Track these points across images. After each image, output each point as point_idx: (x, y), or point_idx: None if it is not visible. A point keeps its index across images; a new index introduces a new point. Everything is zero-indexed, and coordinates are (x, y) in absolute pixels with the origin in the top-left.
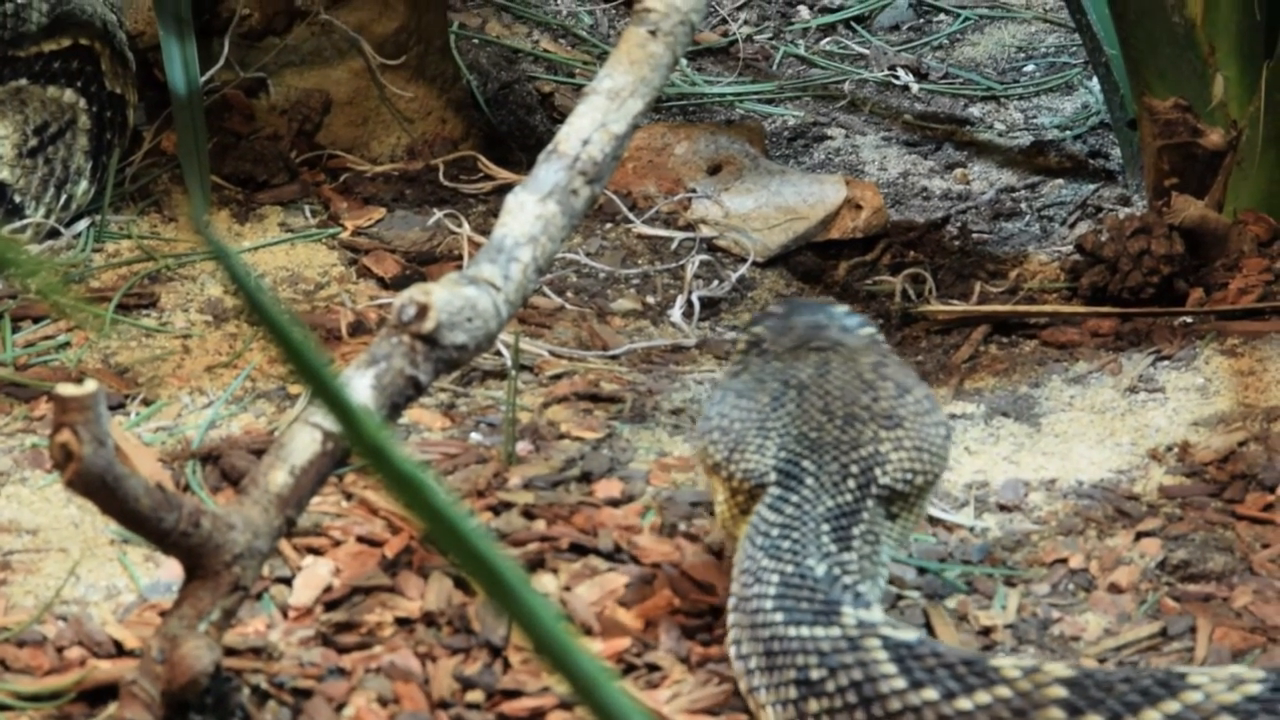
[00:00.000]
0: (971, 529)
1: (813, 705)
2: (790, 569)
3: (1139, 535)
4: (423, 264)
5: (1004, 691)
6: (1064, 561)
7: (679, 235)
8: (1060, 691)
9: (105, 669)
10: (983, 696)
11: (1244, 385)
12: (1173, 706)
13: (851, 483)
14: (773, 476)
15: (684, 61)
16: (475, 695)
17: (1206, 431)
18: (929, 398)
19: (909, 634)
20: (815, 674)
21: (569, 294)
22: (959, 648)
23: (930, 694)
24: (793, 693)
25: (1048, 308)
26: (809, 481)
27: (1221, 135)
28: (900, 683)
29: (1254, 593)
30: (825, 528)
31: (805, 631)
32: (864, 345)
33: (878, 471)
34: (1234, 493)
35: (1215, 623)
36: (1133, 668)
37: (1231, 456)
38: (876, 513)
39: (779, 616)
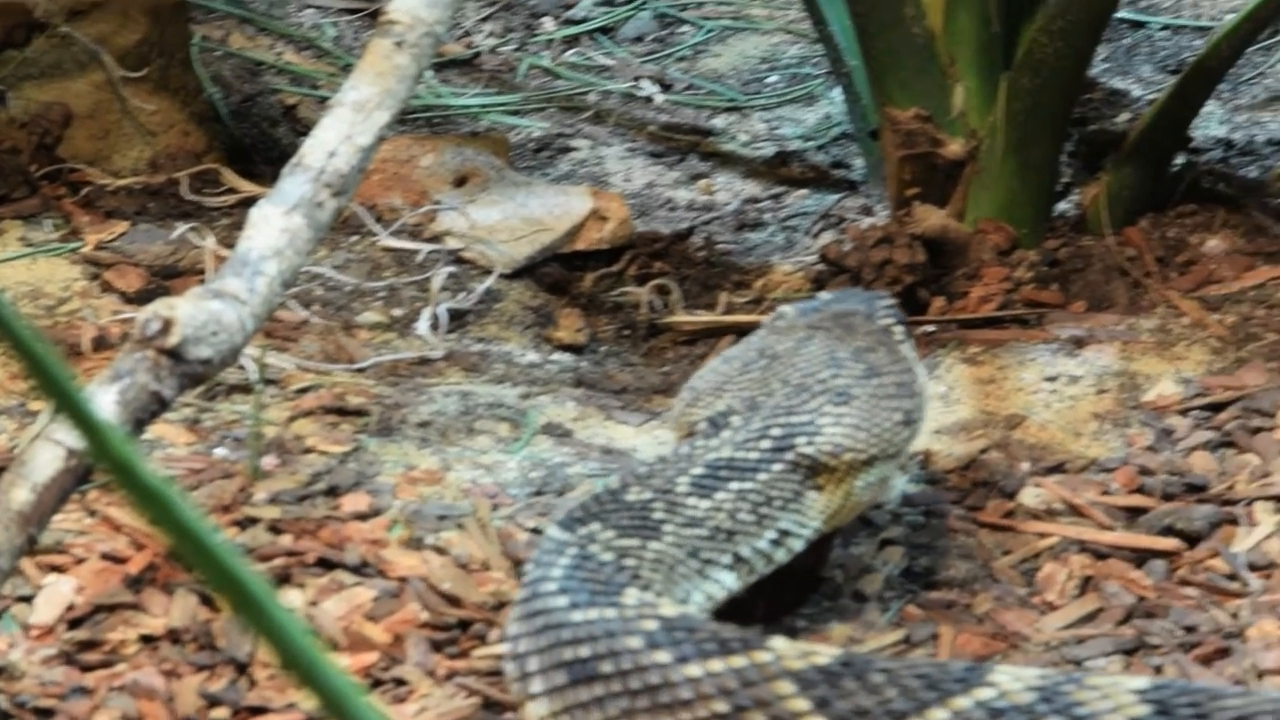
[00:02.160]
0: None
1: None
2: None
3: (883, 543)
4: (166, 278)
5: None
6: (809, 571)
7: (425, 247)
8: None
9: None
10: (716, 665)
11: (985, 393)
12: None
13: (766, 443)
14: (702, 425)
15: (429, 73)
16: (221, 712)
17: (948, 439)
18: (901, 386)
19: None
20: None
21: (315, 307)
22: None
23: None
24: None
25: None
26: (724, 434)
27: (962, 145)
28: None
29: (995, 599)
30: (697, 471)
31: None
32: (866, 330)
33: (801, 439)
34: (976, 500)
35: (957, 629)
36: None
37: (973, 464)
38: (785, 476)
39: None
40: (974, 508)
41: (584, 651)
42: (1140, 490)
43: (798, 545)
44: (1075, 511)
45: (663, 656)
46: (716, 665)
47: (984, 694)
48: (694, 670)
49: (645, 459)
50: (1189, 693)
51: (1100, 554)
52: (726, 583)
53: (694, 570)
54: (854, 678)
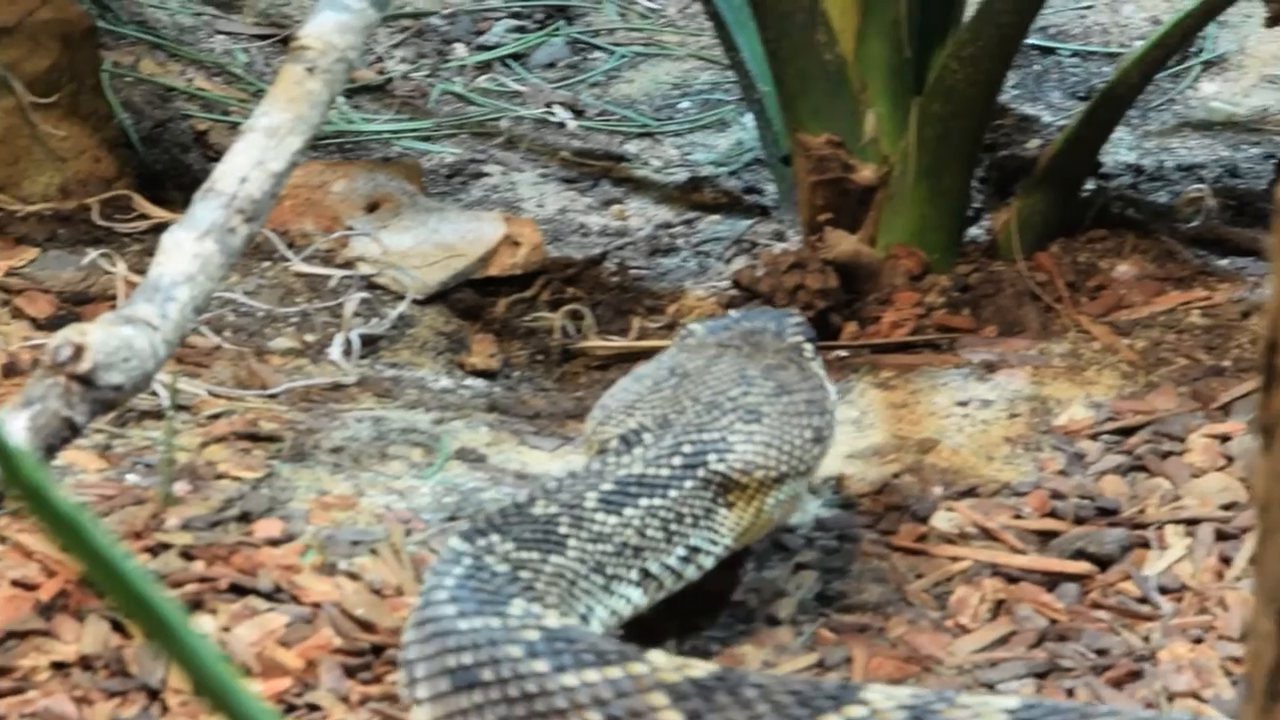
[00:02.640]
0: None
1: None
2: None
3: (797, 567)
4: (78, 304)
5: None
6: (722, 594)
7: (337, 273)
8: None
9: None
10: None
11: (897, 418)
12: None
13: (677, 459)
14: (614, 443)
15: (341, 99)
16: None
17: (861, 464)
18: (811, 404)
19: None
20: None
21: (227, 333)
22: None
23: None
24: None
25: None
26: (636, 451)
27: (873, 171)
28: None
29: (908, 623)
30: (606, 487)
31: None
32: (776, 348)
33: (712, 456)
34: (889, 524)
35: (870, 653)
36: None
37: (886, 488)
38: (696, 493)
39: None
40: (887, 531)
41: (466, 659)
42: (1052, 514)
43: (708, 562)
44: (988, 535)
45: (540, 666)
46: (592, 676)
47: (855, 712)
48: (570, 680)
49: (556, 475)
50: (1059, 713)
51: (1012, 577)
52: (634, 599)
53: (599, 586)
54: (727, 692)
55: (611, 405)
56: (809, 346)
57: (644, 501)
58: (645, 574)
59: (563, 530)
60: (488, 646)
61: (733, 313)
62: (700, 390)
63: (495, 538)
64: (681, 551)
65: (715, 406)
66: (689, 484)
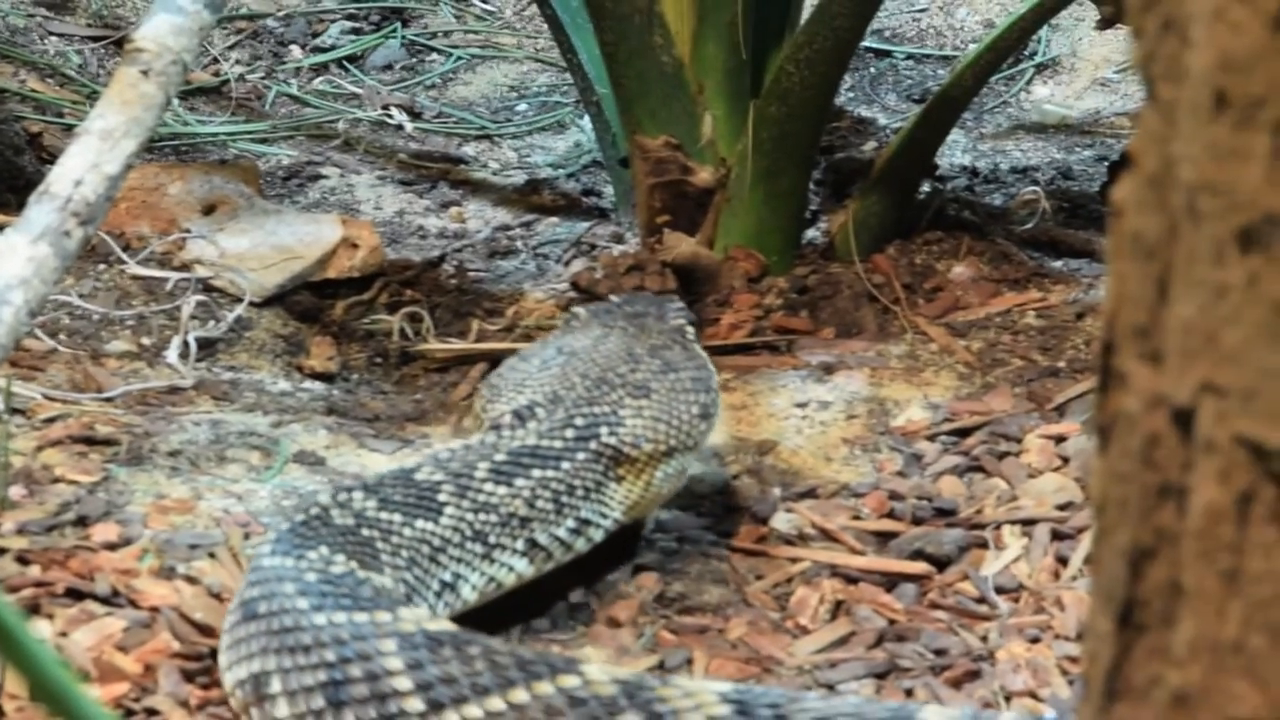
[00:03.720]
0: None
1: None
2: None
3: (637, 569)
4: None
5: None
6: (563, 597)
7: (174, 276)
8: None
9: None
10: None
11: (736, 419)
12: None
13: (569, 432)
14: (507, 418)
15: (176, 101)
16: None
17: (700, 465)
18: (696, 381)
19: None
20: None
21: (62, 336)
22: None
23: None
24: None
25: None
26: (530, 424)
27: (711, 173)
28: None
29: (749, 624)
30: (499, 458)
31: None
32: (662, 329)
33: (604, 429)
34: (728, 525)
35: (711, 654)
36: None
37: (725, 489)
38: (589, 466)
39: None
40: (727, 533)
41: (253, 593)
42: (890, 515)
43: (597, 535)
44: (827, 536)
45: (301, 603)
46: (339, 617)
47: (569, 682)
48: (319, 619)
49: (450, 446)
50: (770, 695)
51: (851, 578)
52: (518, 568)
53: (476, 554)
54: (453, 647)
55: (500, 383)
56: (691, 329)
57: (535, 473)
58: (533, 544)
59: (441, 498)
60: (272, 583)
61: (614, 297)
62: (589, 367)
63: (359, 494)
64: (571, 524)
65: (604, 382)
66: (581, 456)
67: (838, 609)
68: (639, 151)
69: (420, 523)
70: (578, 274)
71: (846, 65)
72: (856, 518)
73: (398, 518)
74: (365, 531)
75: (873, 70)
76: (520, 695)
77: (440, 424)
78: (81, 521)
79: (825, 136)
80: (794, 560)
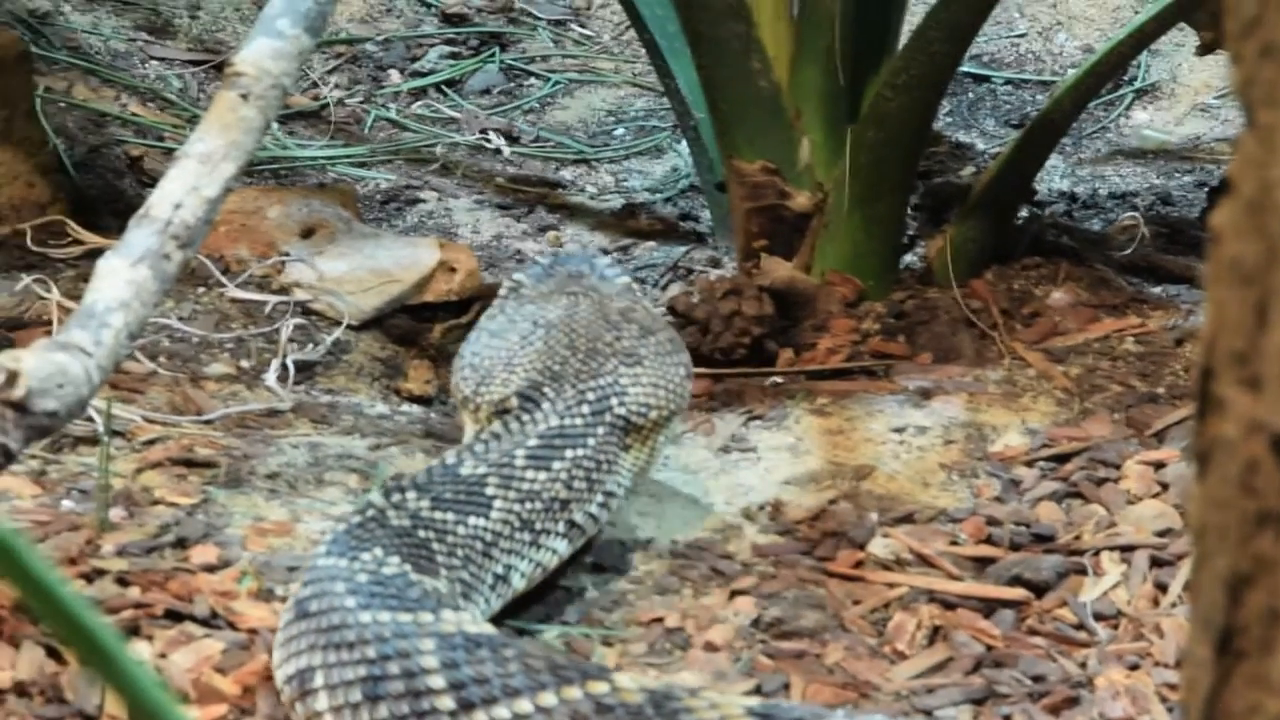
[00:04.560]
0: (568, 589)
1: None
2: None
3: (733, 593)
4: (11, 330)
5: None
6: (660, 620)
7: (273, 299)
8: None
9: None
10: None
11: (833, 444)
12: None
13: (585, 408)
14: (514, 401)
15: (275, 125)
16: None
17: (798, 490)
18: (672, 341)
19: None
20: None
21: (162, 359)
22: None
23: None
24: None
25: None
26: (545, 405)
27: (808, 198)
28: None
29: (845, 649)
30: (532, 443)
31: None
32: (617, 291)
33: (614, 401)
34: (825, 550)
35: (808, 679)
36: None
37: (822, 514)
38: (608, 439)
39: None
40: (824, 558)
41: (306, 592)
42: (988, 540)
43: (615, 506)
44: (924, 561)
45: (349, 602)
46: (384, 616)
47: (598, 688)
48: (364, 617)
49: (480, 437)
50: (796, 710)
51: (949, 604)
52: (560, 550)
53: (525, 543)
54: (490, 649)
55: (481, 363)
56: (635, 285)
57: (568, 453)
58: (571, 524)
59: (489, 491)
60: (324, 582)
61: (540, 259)
62: (574, 339)
63: (412, 494)
64: (600, 499)
65: (596, 353)
66: (600, 430)
67: (935, 634)
68: (736, 176)
69: (472, 520)
70: (674, 298)
71: (944, 90)
72: (954, 543)
73: (451, 516)
74: (421, 533)
75: (971, 95)
76: (549, 699)
77: None
78: (181, 544)
79: (923, 161)
80: (891, 585)
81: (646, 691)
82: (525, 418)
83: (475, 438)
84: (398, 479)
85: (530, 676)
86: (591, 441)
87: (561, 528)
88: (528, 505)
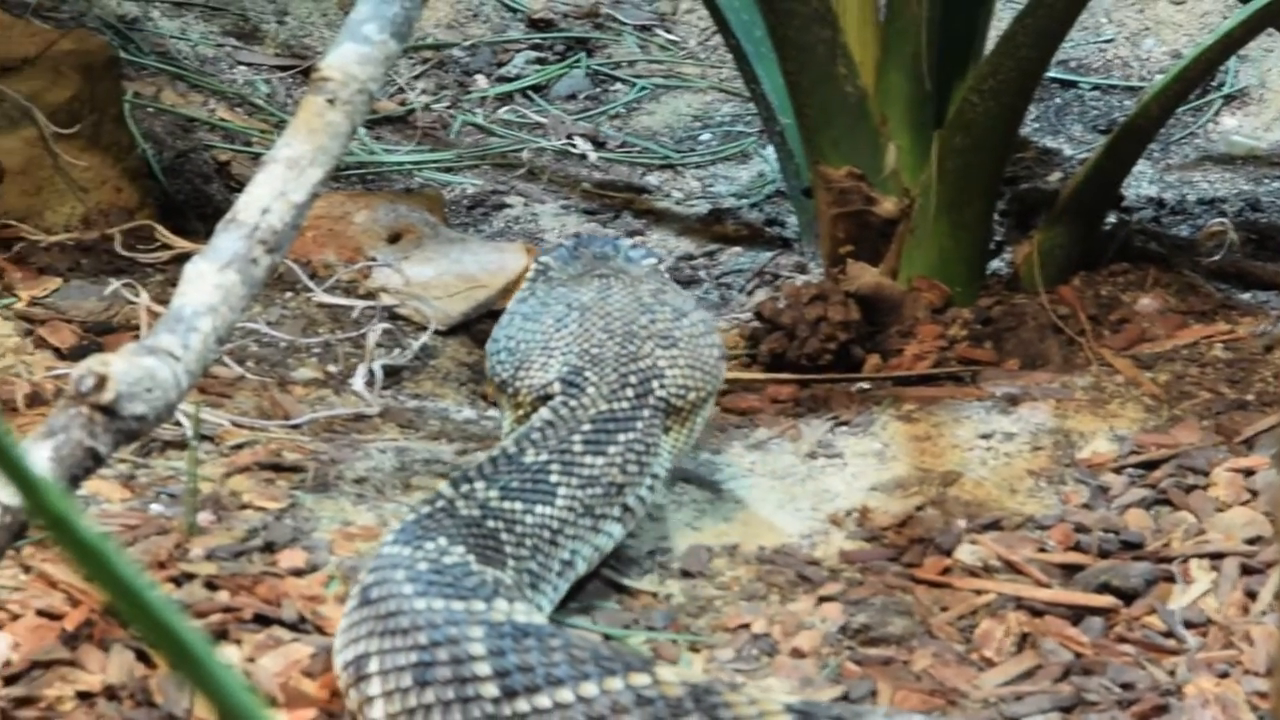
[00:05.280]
0: (655, 595)
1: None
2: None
3: (820, 600)
4: (100, 334)
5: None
6: (747, 626)
7: (360, 304)
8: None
9: None
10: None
11: (920, 450)
12: None
13: (630, 391)
14: (557, 387)
15: (362, 130)
16: None
17: (884, 496)
18: (705, 322)
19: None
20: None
21: (249, 363)
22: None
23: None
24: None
25: (728, 375)
26: (590, 390)
27: (894, 203)
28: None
29: (933, 655)
30: (586, 428)
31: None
32: (644, 273)
33: (655, 384)
34: (912, 557)
35: (896, 686)
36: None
37: (909, 521)
38: (653, 422)
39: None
40: (911, 564)
41: (370, 579)
42: (1076, 547)
43: (660, 488)
44: (1012, 568)
45: (407, 589)
46: (438, 604)
47: (639, 680)
48: (420, 605)
49: (534, 424)
50: (834, 709)
51: (1037, 611)
52: (615, 534)
53: (587, 528)
54: (537, 639)
55: (517, 348)
56: (661, 266)
57: (621, 437)
58: (624, 508)
59: (554, 479)
60: (387, 570)
61: (564, 241)
62: (610, 322)
63: (480, 484)
64: (648, 481)
65: (634, 336)
66: (646, 413)
67: (1023, 642)
68: (822, 182)
69: (540, 509)
70: (761, 304)
71: (1031, 96)
72: (1042, 550)
73: (519, 506)
74: (490, 523)
75: (1058, 101)
76: (590, 689)
77: None
78: (269, 548)
79: (1010, 167)
80: (979, 592)
81: (688, 685)
82: (573, 403)
83: (529, 425)
84: (464, 469)
85: (574, 666)
86: (639, 425)
87: (617, 512)
88: (589, 491)
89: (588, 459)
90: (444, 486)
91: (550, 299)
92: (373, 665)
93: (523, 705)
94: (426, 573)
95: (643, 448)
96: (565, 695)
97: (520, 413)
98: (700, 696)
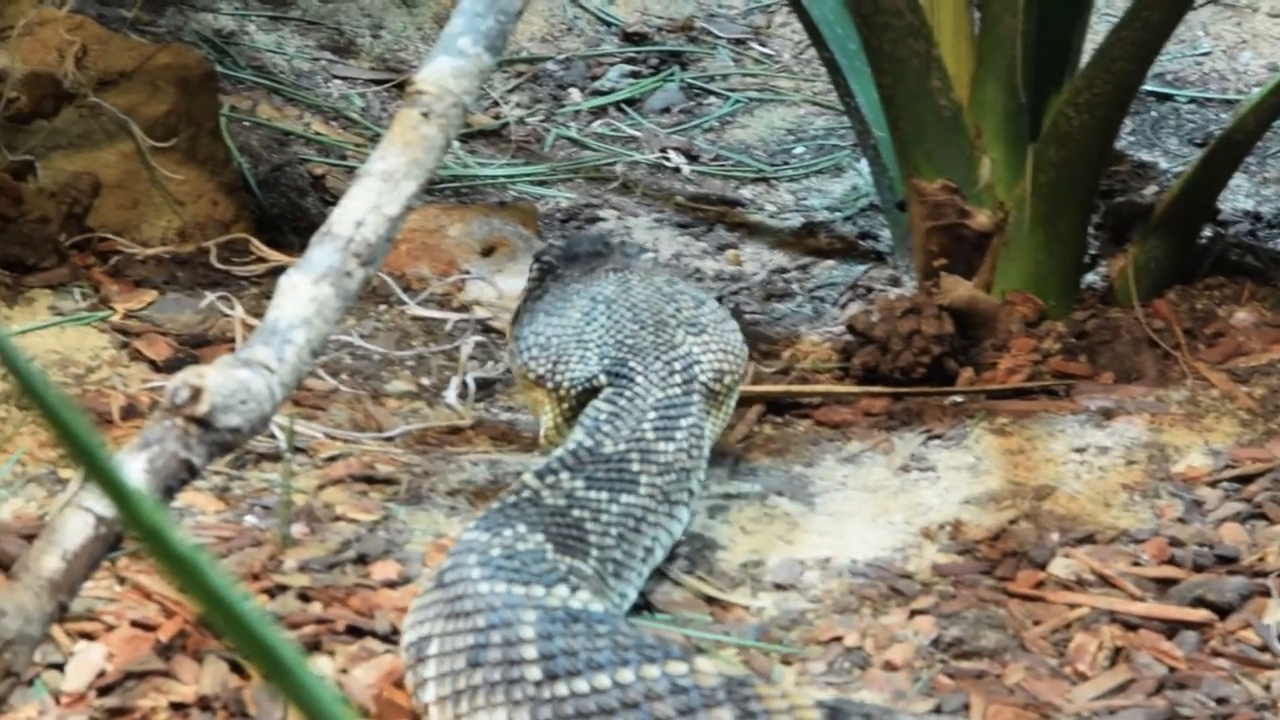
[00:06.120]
0: (747, 608)
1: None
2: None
3: (913, 613)
4: (195, 347)
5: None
6: (839, 639)
7: (453, 316)
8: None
9: None
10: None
11: (1013, 464)
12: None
13: (677, 378)
14: (603, 379)
15: (456, 143)
16: None
17: (978, 509)
18: (720, 309)
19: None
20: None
21: (343, 376)
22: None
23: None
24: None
25: (821, 388)
26: (639, 380)
27: (989, 217)
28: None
29: (1026, 669)
30: (652, 416)
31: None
32: (650, 266)
33: (696, 369)
34: (1005, 570)
35: (988, 700)
36: None
37: (1002, 534)
38: (700, 406)
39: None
40: (1004, 578)
41: (447, 562)
42: (1171, 561)
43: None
44: (1106, 582)
45: (475, 573)
46: (500, 588)
47: (676, 669)
48: (483, 588)
49: (600, 412)
50: (865, 707)
51: (1131, 625)
52: (684, 520)
53: (664, 514)
54: (586, 624)
55: (552, 343)
56: (655, 256)
57: (683, 422)
58: (690, 493)
59: (634, 468)
60: (462, 554)
61: (552, 243)
62: (639, 313)
63: (565, 474)
64: (704, 464)
65: (665, 325)
66: (695, 398)
67: (1117, 655)
68: (916, 195)
69: (625, 497)
70: (854, 317)
71: (1126, 108)
72: (1136, 564)
73: (604, 495)
74: (576, 513)
75: (1154, 114)
76: (627, 675)
77: (717, 465)
78: (362, 560)
79: (1105, 180)
80: (1072, 606)
81: (723, 677)
82: (628, 393)
83: (592, 417)
84: (546, 461)
85: (616, 653)
86: (694, 410)
87: (685, 497)
88: (665, 478)
89: (660, 445)
90: (528, 477)
91: (568, 294)
92: (432, 647)
93: (561, 689)
94: (498, 558)
95: (699, 432)
96: (602, 680)
97: (564, 406)
98: (733, 688)
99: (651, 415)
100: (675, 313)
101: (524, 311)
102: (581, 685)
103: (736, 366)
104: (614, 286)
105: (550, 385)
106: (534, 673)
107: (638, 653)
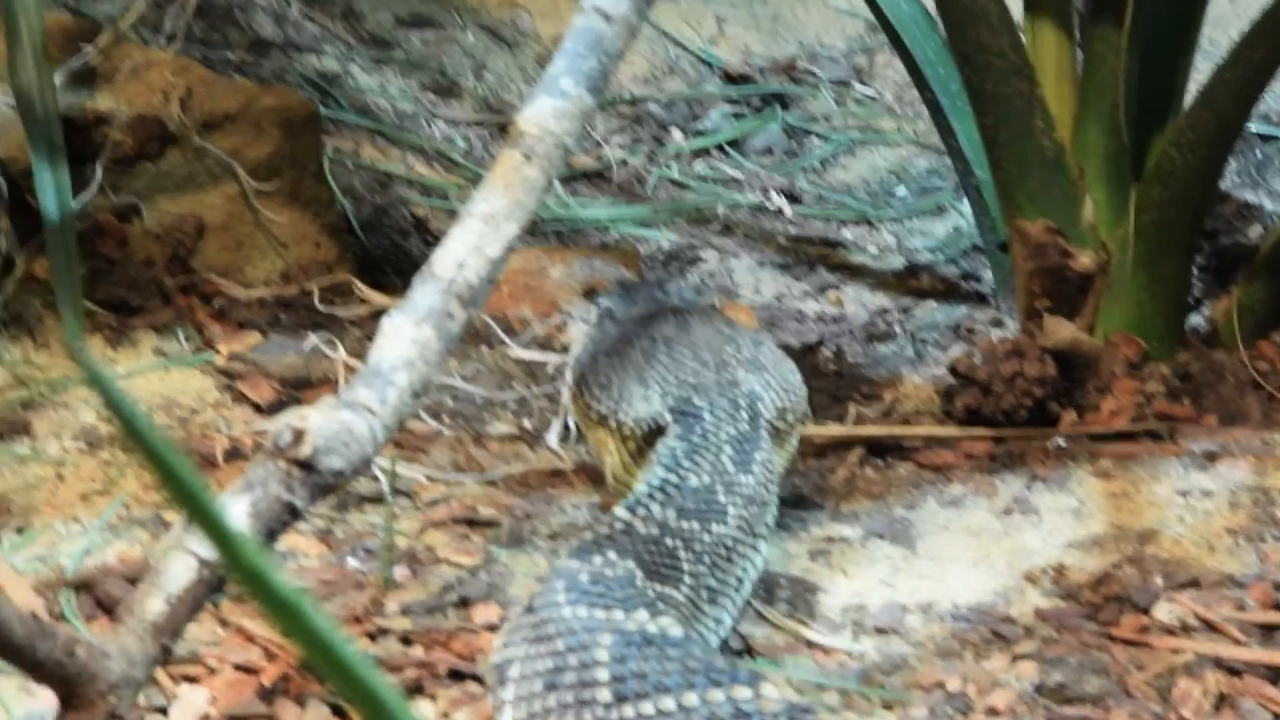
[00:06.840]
0: (849, 652)
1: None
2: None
3: (1015, 658)
4: (298, 389)
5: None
6: (941, 684)
7: (555, 358)
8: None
9: None
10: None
11: (1117, 507)
12: None
13: (745, 414)
14: (668, 416)
15: (558, 185)
16: None
17: (1081, 553)
18: (777, 348)
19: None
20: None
21: (445, 418)
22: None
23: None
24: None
25: (922, 430)
26: (706, 416)
27: (1092, 258)
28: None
29: (1130, 715)
30: (729, 451)
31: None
32: (709, 309)
33: (760, 406)
34: (1109, 615)
35: None
36: None
37: (1106, 578)
38: (768, 443)
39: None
40: (1107, 623)
41: (538, 589)
42: (1276, 606)
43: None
44: (1210, 627)
45: (561, 598)
46: (581, 611)
47: (741, 694)
48: (566, 612)
49: (678, 447)
50: None
51: (1236, 670)
52: (764, 552)
53: (750, 546)
54: (659, 648)
55: (614, 384)
56: (716, 301)
57: (758, 456)
58: (768, 525)
59: (721, 499)
60: (552, 580)
61: (609, 285)
62: (700, 352)
63: (656, 506)
64: (776, 499)
65: (726, 364)
66: (763, 434)
67: (1221, 702)
68: (1019, 236)
69: (715, 527)
70: (956, 359)
71: (1230, 148)
72: (1240, 609)
73: (696, 525)
74: (669, 542)
75: (1259, 155)
76: (692, 699)
77: (818, 508)
78: (464, 603)
79: (1209, 221)
80: (1176, 651)
81: (786, 703)
82: (698, 429)
83: (668, 454)
84: (635, 495)
85: (684, 676)
86: (764, 444)
87: (764, 530)
88: (750, 509)
89: (742, 478)
90: (619, 509)
91: (630, 335)
92: (513, 670)
93: (629, 711)
94: (584, 583)
95: (771, 466)
96: (668, 703)
97: (630, 445)
98: (796, 714)
99: (728, 449)
100: (736, 351)
101: (585, 354)
102: (648, 708)
103: (797, 405)
104: (672, 328)
105: (613, 424)
106: (605, 695)
107: (705, 676)
